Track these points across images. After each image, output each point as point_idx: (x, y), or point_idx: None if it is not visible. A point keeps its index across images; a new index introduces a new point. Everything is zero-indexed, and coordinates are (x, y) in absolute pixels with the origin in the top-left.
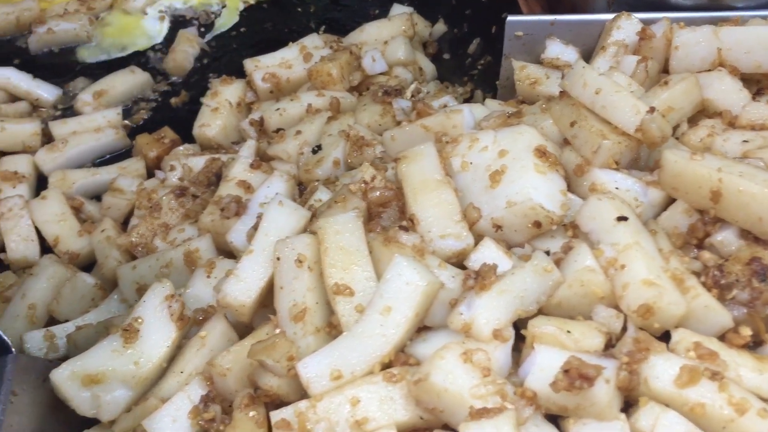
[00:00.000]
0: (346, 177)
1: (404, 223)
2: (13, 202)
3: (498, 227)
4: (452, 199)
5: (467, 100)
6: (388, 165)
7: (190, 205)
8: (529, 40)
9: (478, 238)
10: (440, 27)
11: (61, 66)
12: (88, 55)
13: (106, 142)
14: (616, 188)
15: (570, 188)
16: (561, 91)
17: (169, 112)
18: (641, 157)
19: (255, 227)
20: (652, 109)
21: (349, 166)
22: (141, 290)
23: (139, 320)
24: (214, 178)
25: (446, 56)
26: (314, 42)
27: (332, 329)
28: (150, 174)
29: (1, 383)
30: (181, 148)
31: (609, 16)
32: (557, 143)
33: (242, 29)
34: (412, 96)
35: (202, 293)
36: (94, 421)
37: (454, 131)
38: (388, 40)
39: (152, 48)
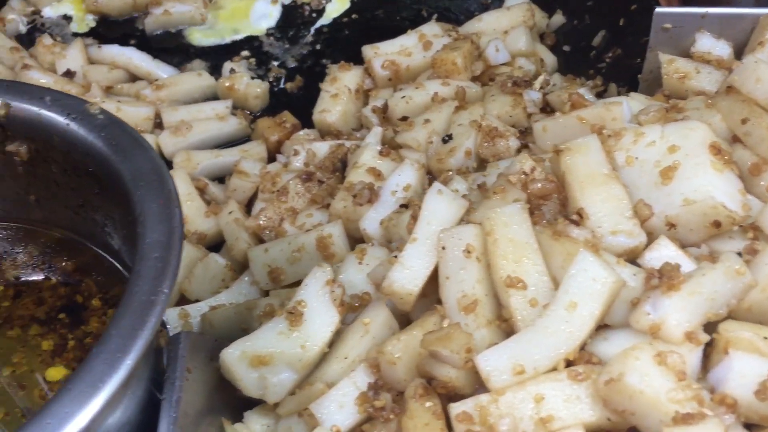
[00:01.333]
0: (491, 170)
1: (574, 217)
2: None
3: (672, 225)
4: (622, 194)
5: (600, 94)
6: (543, 156)
7: (316, 190)
8: (677, 33)
9: (649, 235)
10: (558, 18)
11: (174, 48)
12: (201, 37)
13: (229, 131)
14: None
15: (745, 188)
16: (728, 87)
17: (284, 97)
18: None
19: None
20: None
21: (479, 158)
22: (272, 273)
23: (302, 304)
24: (340, 164)
25: (566, 48)
26: (433, 30)
27: (502, 322)
28: (270, 157)
29: (177, 360)
30: (301, 132)
31: (764, 11)
32: (726, 140)
33: (354, 16)
34: (541, 87)
35: (355, 279)
36: (252, 403)
37: (613, 124)
38: (507, 30)
39: (265, 33)
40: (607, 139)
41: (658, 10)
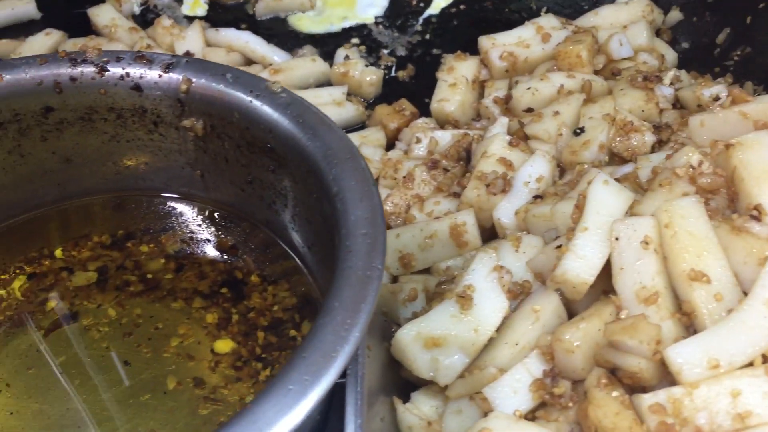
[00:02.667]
0: (644, 162)
1: (753, 212)
2: None
3: None
4: None
5: None
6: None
7: (442, 178)
8: None
9: None
10: (675, 15)
11: (282, 34)
12: (309, 24)
13: (347, 117)
14: None
15: None
16: None
17: (396, 85)
18: None
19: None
20: None
21: (610, 152)
22: (403, 259)
23: (471, 288)
24: (464, 153)
25: (684, 45)
26: (551, 22)
27: (682, 316)
28: (388, 144)
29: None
30: (419, 121)
31: None
32: None
33: (462, 6)
34: (671, 83)
35: (513, 267)
36: (411, 385)
37: None
38: (626, 25)
39: (374, 21)
40: None
41: None
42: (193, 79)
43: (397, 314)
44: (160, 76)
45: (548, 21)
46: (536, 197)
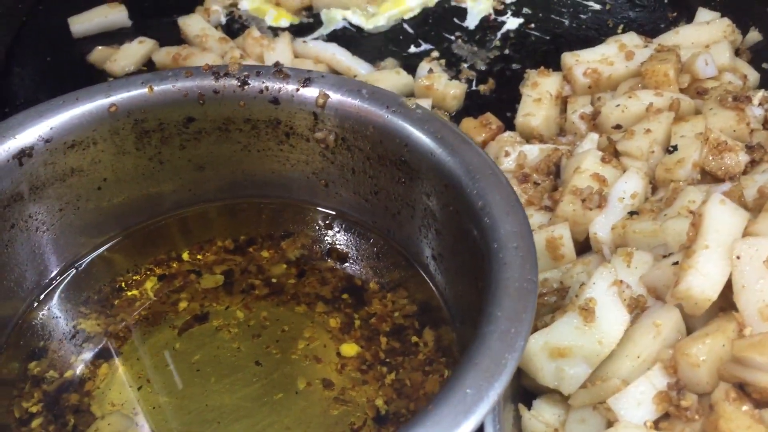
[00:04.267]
0: (749, 182)
1: None
2: None
3: None
4: None
5: None
6: None
7: (532, 191)
8: None
9: None
10: (754, 35)
11: (363, 45)
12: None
13: None
14: None
15: None
16: None
17: (478, 98)
18: None
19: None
20: None
21: (702, 170)
22: None
23: (593, 301)
24: (554, 168)
25: (766, 65)
26: (633, 40)
27: None
28: None
29: None
30: (505, 134)
31: None
32: None
33: (538, 23)
34: (760, 104)
35: (626, 282)
36: (532, 394)
37: None
38: (708, 45)
39: (453, 36)
40: None
41: None
42: (330, 94)
43: None
44: (298, 90)
45: (631, 39)
46: (632, 213)
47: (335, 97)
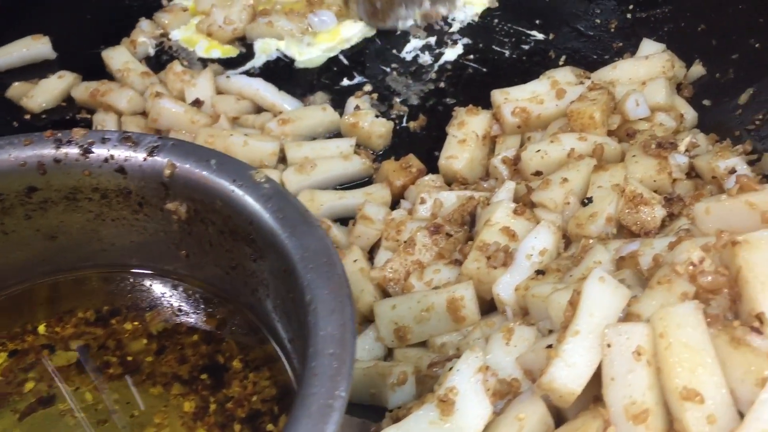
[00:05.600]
0: (646, 248)
1: (754, 323)
2: None
3: None
4: None
5: (752, 163)
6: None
7: (444, 243)
8: None
9: None
10: (698, 69)
11: (295, 80)
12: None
13: (353, 171)
14: None
15: None
16: None
17: (407, 136)
18: None
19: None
20: None
21: (619, 224)
22: (398, 332)
23: (454, 391)
24: (468, 217)
25: (706, 102)
26: (566, 77)
27: None
28: (393, 201)
29: None
30: (426, 178)
31: None
32: None
33: (477, 54)
34: (687, 150)
35: (503, 362)
36: None
37: None
38: (645, 81)
39: (391, 68)
40: None
41: None
42: (177, 164)
43: (386, 398)
44: (145, 159)
45: (564, 75)
46: (538, 272)
47: (183, 167)
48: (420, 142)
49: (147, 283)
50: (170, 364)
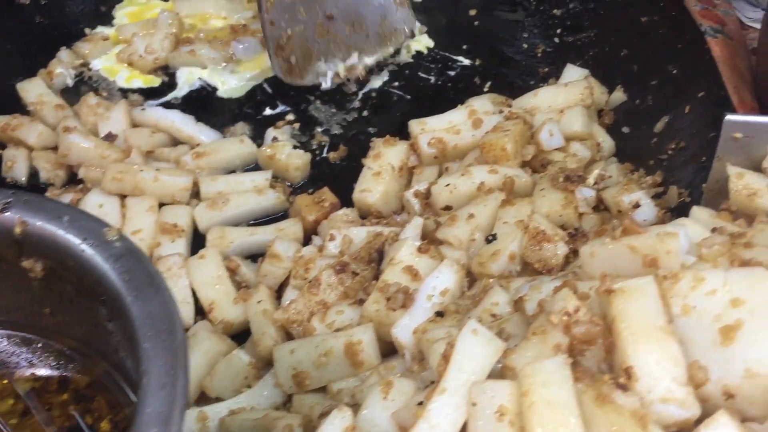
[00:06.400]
0: (534, 292)
1: (621, 379)
2: (172, 260)
3: (730, 396)
4: (678, 356)
5: (658, 196)
6: (590, 290)
7: (350, 282)
8: (749, 142)
9: (703, 403)
10: (619, 95)
11: (216, 109)
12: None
13: (267, 206)
14: None
15: None
16: None
17: (327, 167)
18: None
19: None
20: None
21: (524, 261)
22: (297, 377)
23: None
24: (376, 255)
25: (625, 130)
26: (484, 106)
27: None
28: (308, 237)
29: None
30: (340, 212)
31: None
32: None
33: (402, 82)
34: (596, 183)
35: (379, 418)
36: None
37: (667, 258)
38: (563, 109)
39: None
40: (663, 282)
41: (728, 118)
42: (29, 221)
43: None
44: None
45: (483, 104)
46: (438, 313)
47: (35, 223)
48: (340, 173)
49: (13, 341)
50: (34, 427)
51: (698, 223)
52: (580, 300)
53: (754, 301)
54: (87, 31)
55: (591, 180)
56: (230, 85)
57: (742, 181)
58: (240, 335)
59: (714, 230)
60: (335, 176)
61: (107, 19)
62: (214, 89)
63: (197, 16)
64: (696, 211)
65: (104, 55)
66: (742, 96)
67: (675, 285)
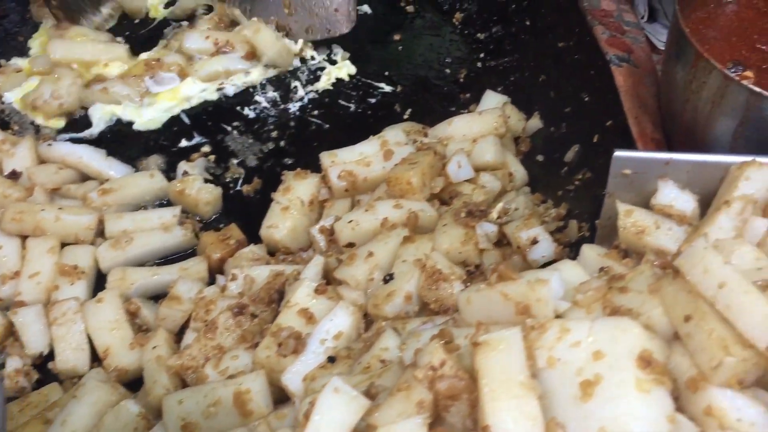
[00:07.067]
0: (413, 340)
1: None
2: (67, 306)
3: None
4: (536, 413)
5: (560, 230)
6: (461, 340)
7: (248, 325)
8: (639, 178)
9: None
10: (535, 122)
11: (129, 141)
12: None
13: (173, 243)
14: (738, 419)
15: (679, 403)
16: (675, 270)
17: (240, 201)
18: None
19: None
20: None
21: (422, 301)
22: (186, 428)
23: None
24: (276, 295)
25: (540, 158)
26: (397, 136)
27: None
28: (214, 275)
29: None
30: (246, 249)
31: (735, 159)
32: (666, 337)
33: (322, 110)
34: (499, 217)
35: None
36: None
37: (538, 306)
38: (477, 138)
39: (232, 126)
40: (530, 332)
41: (616, 153)
42: None
43: None
44: None
45: (395, 135)
46: (330, 359)
47: None
48: (253, 207)
49: None
50: None
51: (579, 265)
52: (449, 352)
53: (615, 354)
54: (2, 62)
55: (494, 214)
56: (146, 117)
57: (631, 219)
58: (137, 383)
59: (601, 270)
60: (248, 210)
61: (24, 50)
62: (131, 123)
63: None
64: (586, 249)
65: (17, 87)
66: (643, 127)
67: (542, 336)
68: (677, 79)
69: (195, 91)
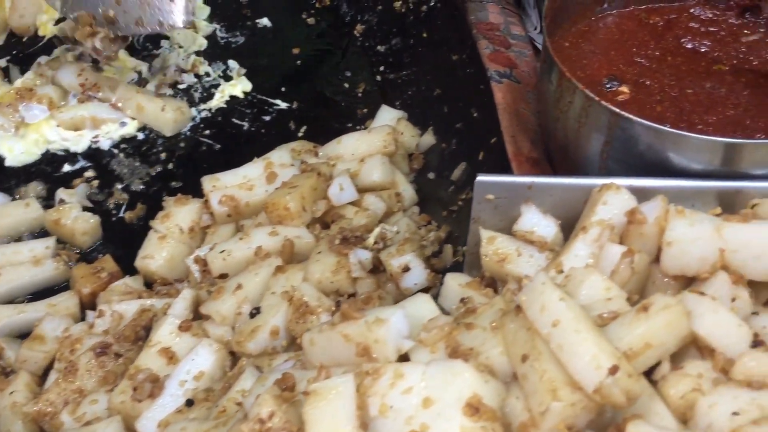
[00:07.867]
0: (257, 386)
1: None
2: None
3: None
4: None
5: (435, 254)
6: (304, 384)
7: (111, 366)
8: (504, 203)
9: None
10: (429, 138)
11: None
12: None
13: (44, 278)
14: None
15: None
16: (517, 306)
17: (121, 229)
18: (607, 410)
19: None
20: (614, 369)
21: (290, 335)
22: None
23: None
24: (144, 332)
25: (431, 176)
26: (282, 158)
27: None
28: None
29: None
30: (120, 282)
31: (597, 181)
32: (506, 378)
33: (213, 130)
34: (376, 243)
35: None
36: None
37: (377, 348)
38: (365, 157)
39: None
40: (364, 378)
41: (479, 178)
42: None
43: None
44: None
45: (281, 156)
46: (188, 402)
47: None
48: (136, 235)
49: None
50: None
51: (430, 300)
52: (284, 401)
53: (443, 401)
54: None
55: (371, 240)
56: (18, 151)
57: (493, 246)
58: None
59: (461, 300)
60: (131, 239)
61: None
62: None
63: None
64: (449, 278)
65: None
66: (520, 146)
67: (376, 382)
68: (548, 98)
69: (57, 138)
